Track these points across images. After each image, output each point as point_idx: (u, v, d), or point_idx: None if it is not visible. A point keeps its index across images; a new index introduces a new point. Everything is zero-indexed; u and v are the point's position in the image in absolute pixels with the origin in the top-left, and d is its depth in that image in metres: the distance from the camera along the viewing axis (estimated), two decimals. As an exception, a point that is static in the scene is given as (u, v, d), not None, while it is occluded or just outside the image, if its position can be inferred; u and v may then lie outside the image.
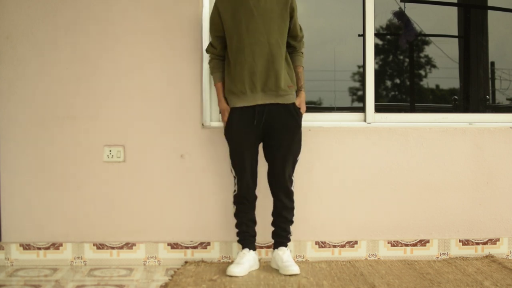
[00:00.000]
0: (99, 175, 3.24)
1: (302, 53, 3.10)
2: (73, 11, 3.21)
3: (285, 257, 3.00)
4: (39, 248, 3.24)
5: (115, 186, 3.24)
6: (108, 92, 3.23)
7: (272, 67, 2.94)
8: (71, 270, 3.13)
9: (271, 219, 3.15)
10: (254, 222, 3.09)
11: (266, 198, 3.13)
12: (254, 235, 3.09)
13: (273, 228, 3.09)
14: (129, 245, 3.25)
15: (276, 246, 3.06)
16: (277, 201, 3.05)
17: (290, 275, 2.92)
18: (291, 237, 3.09)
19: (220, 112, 3.12)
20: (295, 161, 3.04)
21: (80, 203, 3.24)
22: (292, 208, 3.06)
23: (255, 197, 3.08)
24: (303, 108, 3.04)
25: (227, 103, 3.04)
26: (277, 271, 3.03)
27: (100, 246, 3.24)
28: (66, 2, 3.21)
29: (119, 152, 3.23)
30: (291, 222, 3.07)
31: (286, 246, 3.06)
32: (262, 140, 3.04)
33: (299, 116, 3.02)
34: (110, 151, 3.23)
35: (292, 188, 3.05)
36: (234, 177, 3.06)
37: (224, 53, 3.06)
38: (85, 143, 3.23)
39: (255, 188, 3.07)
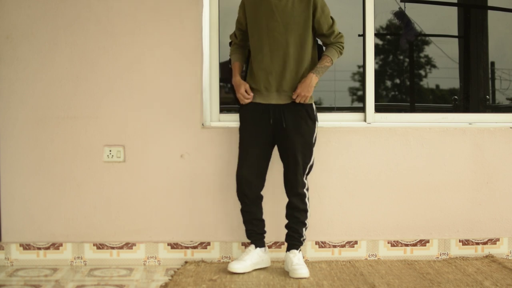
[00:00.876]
0: (99, 175, 3.24)
1: (339, 47, 3.02)
2: (73, 11, 3.21)
3: (295, 260, 2.97)
4: (39, 248, 3.24)
5: (115, 186, 3.24)
6: (108, 92, 3.23)
7: (289, 67, 2.94)
8: (71, 270, 3.13)
9: (273, 218, 3.15)
10: (259, 220, 3.07)
11: (269, 198, 3.13)
12: (260, 232, 3.07)
13: (286, 231, 3.07)
14: (129, 245, 3.25)
15: (287, 249, 3.04)
16: (289, 202, 3.03)
17: (300, 278, 2.89)
18: (304, 241, 3.05)
19: (233, 87, 3.08)
20: (306, 164, 3.00)
21: (80, 203, 3.24)
22: (305, 210, 3.00)
23: (257, 196, 3.04)
24: (301, 89, 2.91)
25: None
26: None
27: (100, 246, 3.24)
28: (66, 2, 3.21)
29: (119, 152, 3.23)
30: (303, 224, 3.02)
31: (297, 249, 3.02)
32: (274, 140, 3.03)
33: (313, 119, 3.00)
34: (110, 151, 3.23)
35: (304, 190, 2.99)
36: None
37: (244, 43, 3.10)
38: (85, 143, 3.23)
39: (258, 187, 3.04)
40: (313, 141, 3.03)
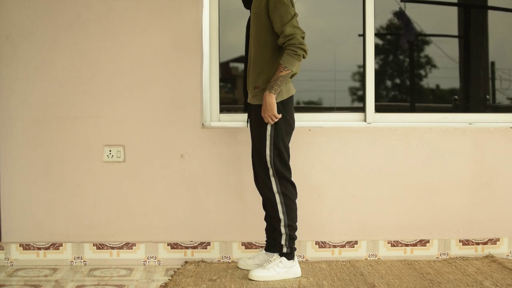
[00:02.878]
0: (99, 175, 3.24)
1: (292, 50, 2.73)
2: (73, 11, 3.21)
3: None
4: (39, 248, 3.24)
5: (115, 186, 3.24)
6: (108, 92, 3.23)
7: (252, 68, 2.89)
8: (71, 270, 3.13)
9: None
10: (267, 222, 3.02)
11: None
12: (267, 235, 3.03)
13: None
14: (129, 245, 3.25)
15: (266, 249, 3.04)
16: (265, 207, 3.01)
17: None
18: (285, 250, 2.88)
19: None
20: (262, 165, 2.85)
21: (80, 203, 3.24)
22: (278, 218, 2.85)
23: (264, 198, 2.97)
24: (262, 112, 2.78)
25: None
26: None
27: (100, 246, 3.24)
28: (66, 2, 3.21)
29: (119, 152, 3.23)
30: (280, 233, 2.86)
31: (277, 252, 2.91)
32: None
33: (262, 120, 2.83)
34: (110, 151, 3.23)
35: (272, 193, 2.84)
36: None
37: None
38: (85, 143, 3.23)
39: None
40: (267, 142, 2.83)
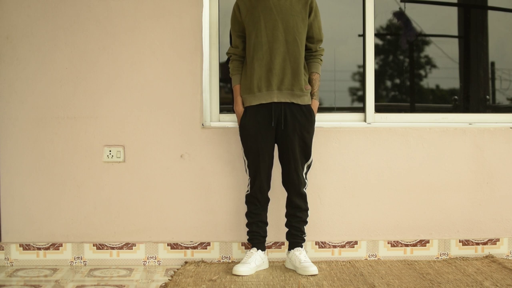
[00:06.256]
0: (99, 175, 3.24)
1: (320, 60, 3.09)
2: (73, 11, 3.22)
3: (302, 257, 3.00)
4: (39, 248, 3.24)
5: (115, 186, 3.24)
6: (108, 92, 3.23)
7: (289, 65, 2.95)
8: (71, 270, 3.13)
9: (273, 218, 3.15)
10: (265, 223, 3.09)
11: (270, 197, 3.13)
12: (264, 235, 3.09)
13: (287, 229, 3.10)
14: (129, 245, 3.25)
15: (292, 246, 3.06)
16: (291, 202, 3.05)
17: (309, 276, 2.92)
18: (305, 238, 3.10)
19: (234, 112, 3.11)
20: (306, 163, 3.05)
21: (80, 203, 3.24)
22: (306, 210, 3.06)
23: (267, 199, 3.08)
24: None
25: (243, 103, 3.04)
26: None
27: (100, 246, 3.24)
28: (66, 2, 3.21)
29: (119, 152, 3.24)
30: (306, 222, 3.07)
31: (301, 246, 3.06)
32: (275, 140, 3.03)
33: (313, 119, 3.04)
34: (110, 151, 3.23)
35: (305, 190, 3.05)
36: (248, 177, 3.06)
37: (244, 53, 3.06)
38: (85, 143, 3.23)
39: (268, 190, 3.06)
40: (312, 140, 3.05)
